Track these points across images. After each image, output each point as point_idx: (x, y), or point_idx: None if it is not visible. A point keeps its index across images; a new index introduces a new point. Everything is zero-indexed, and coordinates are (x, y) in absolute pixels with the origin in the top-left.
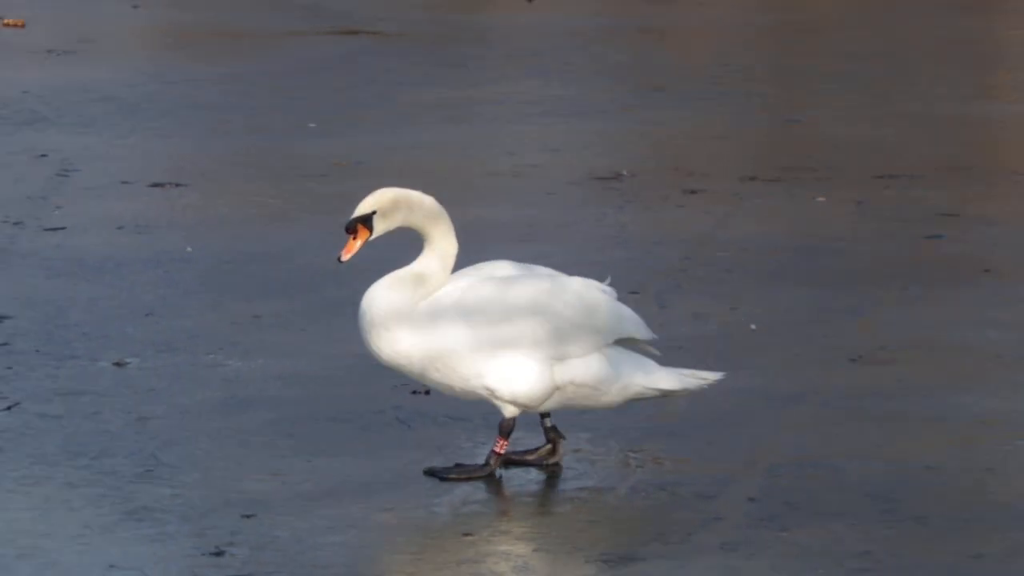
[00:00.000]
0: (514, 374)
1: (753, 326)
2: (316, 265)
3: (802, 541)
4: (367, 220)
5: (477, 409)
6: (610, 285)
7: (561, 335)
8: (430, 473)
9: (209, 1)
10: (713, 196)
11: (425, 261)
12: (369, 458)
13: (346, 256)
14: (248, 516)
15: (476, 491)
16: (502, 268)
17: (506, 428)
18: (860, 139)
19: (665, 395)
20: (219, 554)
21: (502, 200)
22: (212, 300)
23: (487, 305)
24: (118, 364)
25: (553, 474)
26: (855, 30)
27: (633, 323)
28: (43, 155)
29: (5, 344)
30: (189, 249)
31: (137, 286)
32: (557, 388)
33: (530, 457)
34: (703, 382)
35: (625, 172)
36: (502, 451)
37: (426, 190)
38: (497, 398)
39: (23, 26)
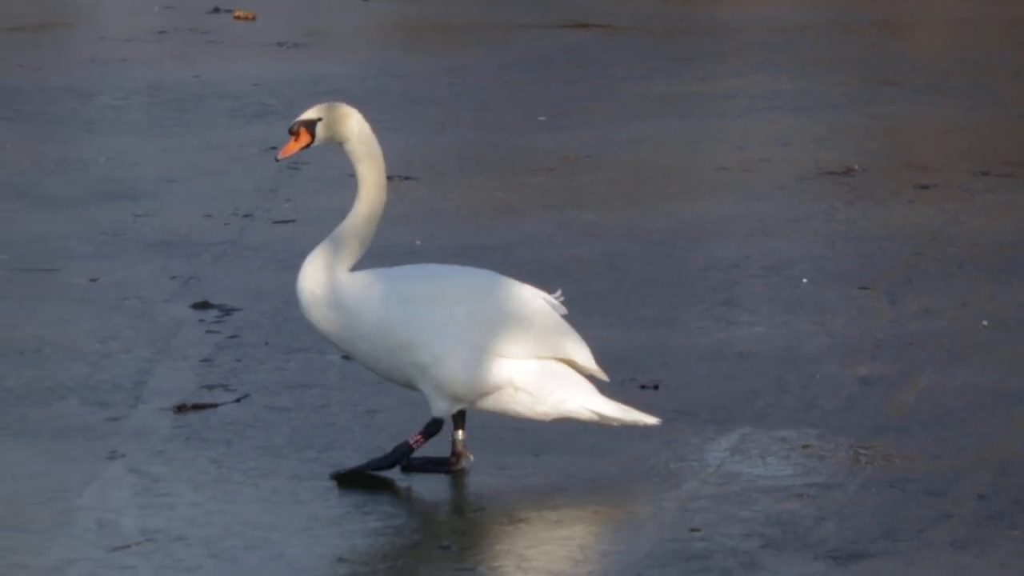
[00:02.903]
0: (450, 355)
1: (984, 322)
2: (544, 258)
3: None
4: (311, 125)
5: (705, 404)
6: (561, 300)
7: (495, 328)
8: (336, 476)
9: None
10: (944, 191)
11: (350, 220)
12: (596, 453)
13: (282, 155)
14: (476, 510)
15: (704, 486)
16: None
17: (430, 429)
18: None
19: (601, 420)
20: (446, 548)
21: (731, 195)
22: None
23: (425, 283)
24: (347, 357)
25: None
26: None
27: (574, 344)
28: (273, 147)
29: (234, 336)
30: (418, 242)
31: None
32: (497, 387)
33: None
34: (638, 420)
35: (856, 167)
36: (416, 446)
37: (655, 184)
38: (428, 382)
39: (254, 19)
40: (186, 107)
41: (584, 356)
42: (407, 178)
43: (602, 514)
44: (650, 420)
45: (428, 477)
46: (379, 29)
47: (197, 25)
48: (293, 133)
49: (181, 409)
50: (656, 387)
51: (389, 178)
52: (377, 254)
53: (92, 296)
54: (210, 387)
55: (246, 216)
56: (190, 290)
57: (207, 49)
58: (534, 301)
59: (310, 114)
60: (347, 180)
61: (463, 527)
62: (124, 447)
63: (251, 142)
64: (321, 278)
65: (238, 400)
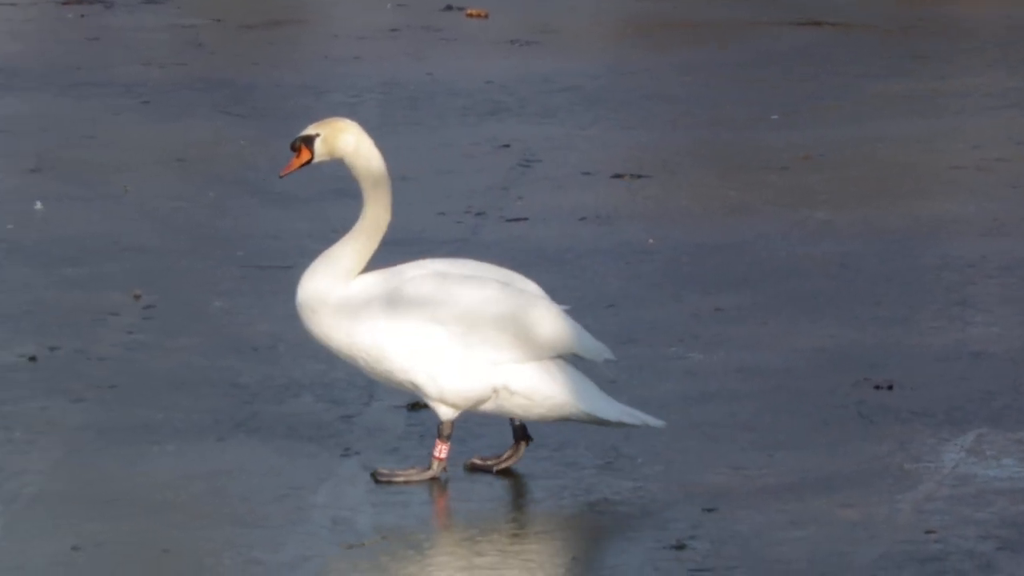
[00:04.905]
0: (442, 371)
1: None
2: (778, 257)
3: None
4: (310, 141)
5: (940, 405)
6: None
7: (493, 340)
8: (373, 476)
9: None
10: None
11: (353, 236)
12: (830, 453)
13: (283, 173)
14: (709, 510)
15: (940, 487)
16: (458, 267)
17: (444, 432)
18: None
19: (598, 423)
20: (680, 547)
21: (966, 194)
22: (673, 292)
23: (422, 299)
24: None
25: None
26: None
27: (579, 340)
28: (505, 145)
29: None
30: (651, 241)
31: (598, 277)
32: (494, 391)
33: (491, 462)
34: (639, 423)
35: None
36: (442, 456)
37: (889, 183)
38: (425, 396)
39: (486, 16)
40: (419, 105)
41: (589, 348)
42: (639, 176)
43: (836, 514)
44: (656, 423)
45: (659, 477)
46: (611, 26)
47: (430, 23)
48: (294, 149)
49: (415, 407)
50: (891, 387)
51: (620, 176)
52: (610, 252)
53: None
54: None
55: (479, 214)
56: None
57: (439, 47)
58: (534, 311)
59: (309, 130)
60: (580, 179)
61: (696, 526)
62: (358, 444)
63: (483, 140)
64: (320, 296)
65: None
